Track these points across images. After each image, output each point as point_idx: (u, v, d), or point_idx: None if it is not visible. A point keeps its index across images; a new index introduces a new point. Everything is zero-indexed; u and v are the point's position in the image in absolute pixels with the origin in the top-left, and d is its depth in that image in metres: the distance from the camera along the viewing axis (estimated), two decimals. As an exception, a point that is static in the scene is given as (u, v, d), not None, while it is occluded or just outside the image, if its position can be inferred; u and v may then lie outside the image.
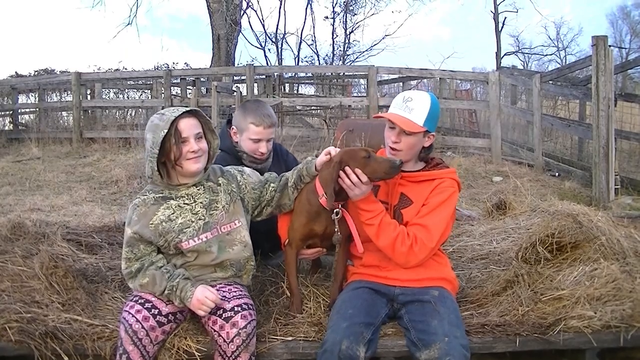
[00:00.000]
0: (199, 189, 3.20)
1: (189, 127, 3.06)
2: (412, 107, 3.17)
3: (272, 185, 3.42)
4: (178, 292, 2.96)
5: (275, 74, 18.10)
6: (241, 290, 3.16)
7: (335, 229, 3.24)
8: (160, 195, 3.14)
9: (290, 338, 3.13)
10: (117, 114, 17.95)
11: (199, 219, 3.14)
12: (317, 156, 3.28)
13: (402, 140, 3.18)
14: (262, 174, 3.79)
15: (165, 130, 2.96)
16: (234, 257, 3.21)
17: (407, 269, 3.16)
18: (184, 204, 3.15)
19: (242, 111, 3.93)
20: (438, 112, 3.27)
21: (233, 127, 3.97)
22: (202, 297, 2.91)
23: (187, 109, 3.09)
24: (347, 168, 3.06)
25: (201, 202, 3.18)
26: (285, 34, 29.55)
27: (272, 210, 3.47)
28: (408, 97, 3.22)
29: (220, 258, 3.17)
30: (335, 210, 3.18)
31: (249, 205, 3.37)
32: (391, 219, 3.14)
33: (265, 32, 29.37)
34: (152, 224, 3.08)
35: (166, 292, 2.98)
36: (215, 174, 3.30)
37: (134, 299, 3.03)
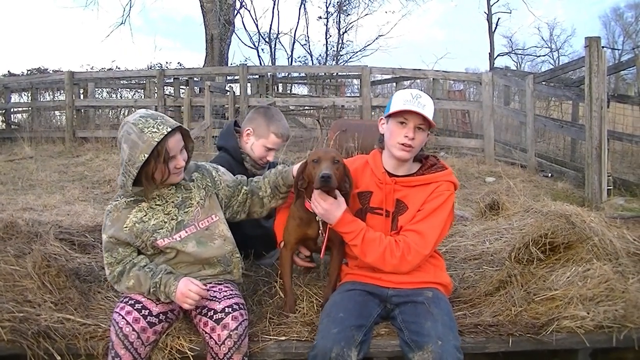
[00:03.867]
0: (170, 189, 3.16)
1: (175, 144, 3.00)
2: (424, 104, 3.11)
3: (244, 188, 3.39)
4: (162, 287, 2.95)
5: (269, 73, 18.14)
6: (232, 290, 3.14)
7: (320, 230, 3.25)
8: (132, 199, 3.11)
9: (283, 338, 3.12)
10: (110, 113, 17.94)
11: (172, 219, 3.12)
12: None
13: (416, 136, 3.12)
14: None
15: (147, 154, 2.88)
16: (217, 252, 3.19)
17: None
18: (156, 205, 3.12)
19: (265, 117, 3.91)
20: None
21: (248, 128, 3.93)
22: (186, 289, 2.89)
23: (169, 129, 2.95)
24: (314, 192, 3.09)
25: (173, 202, 3.15)
26: (278, 34, 29.66)
27: (245, 216, 3.45)
28: (417, 94, 3.15)
29: (202, 254, 3.15)
30: None
31: (222, 202, 3.32)
32: (375, 234, 3.09)
33: (258, 32, 29.47)
34: (126, 227, 3.07)
35: (151, 289, 2.97)
36: (188, 171, 3.25)
37: (124, 300, 3.02)
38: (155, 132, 2.91)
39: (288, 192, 3.37)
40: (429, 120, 3.10)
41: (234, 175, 3.47)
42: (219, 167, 3.45)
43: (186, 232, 3.13)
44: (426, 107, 3.11)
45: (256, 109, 4.06)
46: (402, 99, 3.15)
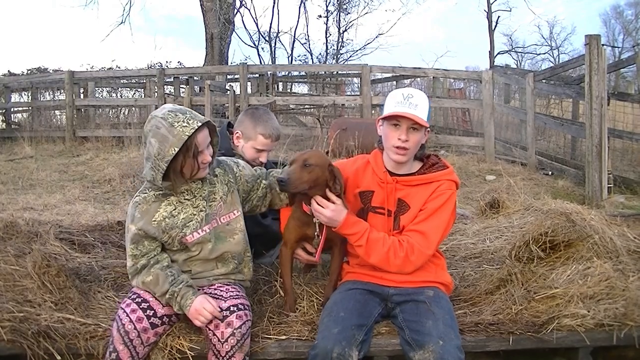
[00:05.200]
0: (197, 183, 3.16)
1: (204, 139, 3.01)
2: (416, 103, 3.08)
3: (264, 182, 3.42)
4: (179, 298, 2.95)
5: (269, 72, 18.08)
6: (238, 291, 3.14)
7: (316, 233, 3.25)
8: (161, 192, 3.11)
9: (283, 337, 3.13)
10: (110, 112, 17.96)
11: (201, 211, 3.13)
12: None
13: (410, 137, 3.09)
14: None
15: (177, 148, 2.89)
16: (234, 248, 3.21)
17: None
18: (185, 199, 3.13)
19: (251, 119, 3.89)
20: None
21: (237, 131, 3.92)
22: (201, 307, 2.89)
23: (199, 123, 2.97)
24: (312, 202, 3.10)
25: (201, 195, 3.16)
26: (278, 32, 29.60)
27: (265, 209, 3.50)
28: (409, 94, 3.12)
29: (220, 250, 3.17)
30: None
31: (240, 197, 3.34)
32: (379, 234, 3.09)
33: (258, 30, 29.42)
34: (154, 221, 3.06)
35: (167, 295, 2.97)
36: (211, 166, 3.23)
37: (132, 297, 3.03)
38: (186, 126, 2.92)
39: None
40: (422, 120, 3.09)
41: (253, 169, 3.49)
42: (239, 161, 3.47)
43: (212, 225, 3.16)
44: (419, 106, 3.09)
45: (245, 110, 4.05)
46: (394, 101, 3.14)
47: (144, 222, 3.06)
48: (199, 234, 3.11)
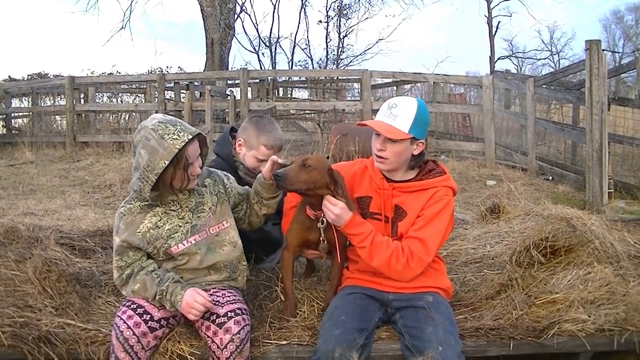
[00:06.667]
0: (184, 194, 3.15)
1: (194, 151, 3.00)
2: (397, 114, 3.08)
3: (245, 203, 3.44)
4: (168, 296, 2.94)
5: (269, 78, 18.15)
6: (235, 295, 3.13)
7: (321, 238, 3.23)
8: (146, 203, 3.09)
9: (284, 342, 3.12)
10: (111, 118, 17.95)
11: (186, 223, 3.12)
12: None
13: (388, 148, 3.10)
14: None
15: (167, 161, 2.87)
16: (225, 258, 3.19)
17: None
18: (170, 210, 3.11)
19: (255, 128, 3.86)
20: (426, 118, 3.17)
21: (240, 139, 3.90)
22: (192, 300, 2.88)
23: (190, 136, 2.95)
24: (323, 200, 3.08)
25: (187, 206, 3.14)
26: (278, 38, 29.64)
27: (246, 227, 3.48)
28: (393, 104, 3.14)
29: (210, 260, 3.15)
30: (320, 219, 3.17)
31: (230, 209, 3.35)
32: (383, 237, 3.07)
33: (259, 36, 29.47)
34: (139, 232, 3.05)
35: (157, 297, 2.96)
36: (201, 176, 3.23)
37: (127, 304, 3.01)
38: (176, 139, 2.90)
39: (272, 198, 3.38)
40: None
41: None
42: (230, 175, 3.45)
43: (200, 236, 3.14)
44: (399, 117, 3.09)
45: (249, 118, 4.03)
46: (380, 110, 3.19)
47: (128, 234, 3.05)
48: (184, 245, 3.09)
